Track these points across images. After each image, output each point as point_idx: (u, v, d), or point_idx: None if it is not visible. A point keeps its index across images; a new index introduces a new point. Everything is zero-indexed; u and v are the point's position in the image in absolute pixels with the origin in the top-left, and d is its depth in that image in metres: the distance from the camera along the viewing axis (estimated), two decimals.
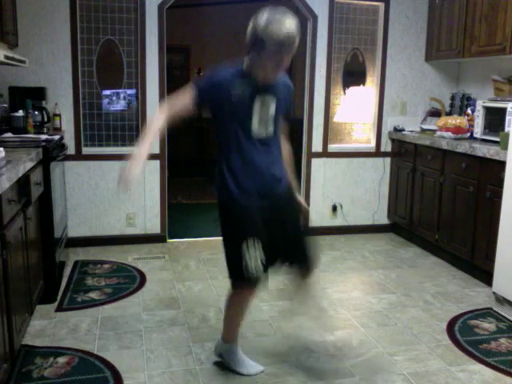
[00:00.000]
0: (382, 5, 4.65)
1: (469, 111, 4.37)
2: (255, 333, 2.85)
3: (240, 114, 2.19)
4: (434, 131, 4.43)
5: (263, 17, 2.03)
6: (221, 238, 2.38)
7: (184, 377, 2.43)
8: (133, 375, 2.43)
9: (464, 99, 4.55)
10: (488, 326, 3.03)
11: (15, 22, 3.74)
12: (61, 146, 3.64)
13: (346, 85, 4.77)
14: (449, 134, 4.09)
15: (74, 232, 4.24)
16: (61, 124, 4.05)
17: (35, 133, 3.61)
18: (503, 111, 3.66)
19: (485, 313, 3.20)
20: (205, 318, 3.06)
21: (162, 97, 4.27)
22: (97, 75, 4.18)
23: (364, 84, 4.83)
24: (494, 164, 3.43)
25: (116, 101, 4.26)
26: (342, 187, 4.79)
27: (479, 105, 3.98)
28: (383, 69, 4.73)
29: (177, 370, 2.48)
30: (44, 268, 3.17)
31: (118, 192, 1.97)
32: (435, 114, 4.73)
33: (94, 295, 3.34)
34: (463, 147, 3.74)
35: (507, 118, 3.61)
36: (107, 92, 4.23)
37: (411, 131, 4.69)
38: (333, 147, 4.76)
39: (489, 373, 2.52)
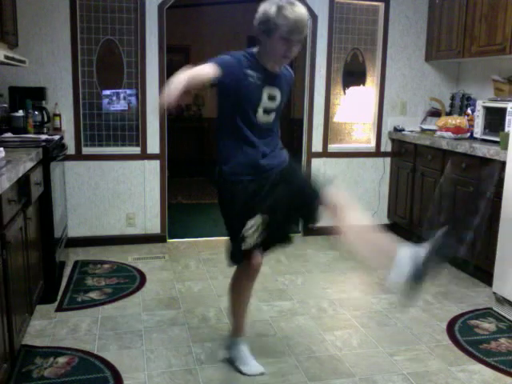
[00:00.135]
0: (381, 5, 4.65)
1: (469, 111, 4.37)
2: (255, 333, 2.85)
3: (248, 100, 2.19)
4: (434, 131, 4.43)
5: (273, 3, 2.06)
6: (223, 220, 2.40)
7: (184, 377, 2.43)
8: (133, 375, 2.43)
9: (464, 99, 4.56)
10: (488, 325, 3.03)
11: (15, 22, 3.74)
12: (61, 145, 3.64)
13: (346, 85, 4.77)
14: (449, 134, 4.09)
15: (73, 232, 4.24)
16: (61, 124, 4.05)
17: (35, 133, 3.62)
18: (503, 111, 3.66)
19: (485, 313, 3.20)
20: (205, 317, 3.06)
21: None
22: (97, 75, 4.18)
23: (364, 84, 4.83)
24: (494, 164, 3.43)
25: (116, 101, 4.26)
26: (342, 187, 4.79)
27: (479, 105, 3.98)
28: (383, 69, 4.74)
29: (177, 370, 2.48)
30: (44, 268, 3.17)
31: (155, 114, 1.85)
32: (435, 113, 4.73)
33: (93, 295, 3.34)
34: (463, 147, 3.74)
35: (507, 117, 3.61)
36: (107, 92, 4.23)
37: (411, 131, 4.69)
38: (333, 147, 4.76)
39: (489, 373, 2.52)
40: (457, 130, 4.11)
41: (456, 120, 4.19)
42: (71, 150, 4.14)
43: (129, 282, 3.59)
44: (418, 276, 1.92)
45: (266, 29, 2.09)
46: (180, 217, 5.21)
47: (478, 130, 3.99)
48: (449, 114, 4.66)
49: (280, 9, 2.04)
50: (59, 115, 4.03)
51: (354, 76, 4.80)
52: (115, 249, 4.25)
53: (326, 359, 2.62)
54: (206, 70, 2.10)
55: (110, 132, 4.29)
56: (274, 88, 2.23)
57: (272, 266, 3.89)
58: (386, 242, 2.15)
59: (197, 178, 7.62)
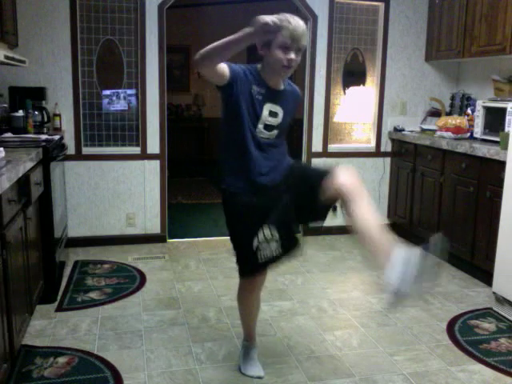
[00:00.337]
0: (381, 5, 4.65)
1: (469, 111, 4.37)
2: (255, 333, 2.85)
3: (249, 114, 2.17)
4: (434, 131, 4.43)
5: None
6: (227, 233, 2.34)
7: (184, 377, 2.43)
8: (133, 375, 2.43)
9: (464, 99, 4.56)
10: (488, 326, 3.03)
11: (15, 22, 3.74)
12: (61, 146, 3.64)
13: (346, 85, 4.77)
14: (449, 134, 4.10)
15: (74, 232, 4.24)
16: (61, 124, 4.05)
17: (35, 133, 3.61)
18: (503, 111, 3.66)
19: (485, 313, 3.20)
20: (205, 317, 3.06)
21: (162, 97, 4.27)
22: (97, 75, 4.18)
23: (364, 84, 4.83)
24: (493, 164, 3.43)
25: (116, 101, 4.26)
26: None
27: (479, 105, 3.98)
28: (383, 69, 4.74)
29: (177, 370, 2.48)
30: (44, 268, 3.17)
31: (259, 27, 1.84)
32: (435, 113, 4.73)
33: (93, 295, 3.34)
34: (463, 147, 3.74)
35: (507, 117, 3.61)
36: (107, 92, 4.23)
37: (411, 131, 4.69)
38: (333, 147, 4.76)
39: (489, 373, 2.52)
40: (457, 129, 4.11)
41: (456, 120, 4.19)
42: (71, 150, 4.14)
43: (129, 281, 3.59)
44: (405, 286, 1.93)
45: (266, 41, 2.09)
46: (180, 217, 5.21)
47: (478, 130, 3.99)
48: (449, 114, 4.66)
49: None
50: (59, 115, 4.03)
51: (354, 76, 4.80)
52: (115, 249, 4.25)
53: (326, 359, 2.62)
54: (224, 67, 2.08)
55: (110, 132, 4.29)
56: (276, 105, 2.22)
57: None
58: (386, 240, 2.06)
59: (197, 178, 7.63)
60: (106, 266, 3.89)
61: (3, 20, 3.29)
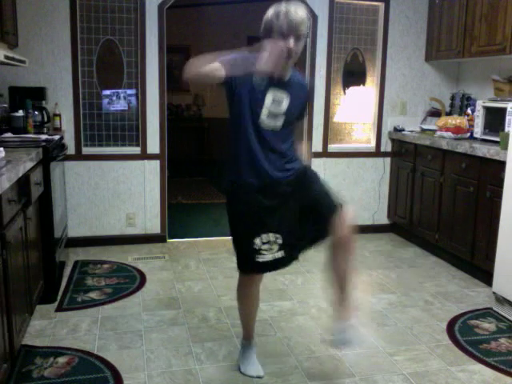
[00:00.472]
0: (381, 5, 4.65)
1: (469, 111, 4.37)
2: (255, 333, 2.84)
3: (251, 101, 2.18)
4: (434, 131, 4.43)
5: (272, 8, 2.13)
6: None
7: (184, 377, 2.43)
8: (133, 375, 2.43)
9: (464, 99, 4.56)
10: (488, 325, 3.03)
11: (15, 22, 3.74)
12: (61, 146, 3.63)
13: (346, 85, 4.77)
14: (449, 134, 4.09)
15: (74, 232, 4.24)
16: (61, 124, 4.05)
17: (35, 133, 3.61)
18: (503, 111, 3.66)
19: (485, 313, 3.20)
20: (205, 317, 3.06)
21: (162, 97, 4.27)
22: (97, 75, 4.18)
23: (364, 84, 4.83)
24: (493, 164, 3.43)
25: (116, 101, 4.26)
26: (342, 187, 4.79)
27: (479, 105, 3.98)
28: (383, 69, 4.74)
29: (177, 370, 2.48)
30: (44, 268, 3.17)
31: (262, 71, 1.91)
32: (435, 114, 4.73)
33: (94, 295, 3.34)
34: (463, 147, 3.74)
35: (507, 117, 3.61)
36: (107, 92, 4.23)
37: (411, 131, 4.69)
38: (333, 147, 4.76)
39: (489, 373, 2.52)
40: (457, 129, 4.11)
41: (456, 120, 4.19)
42: (71, 150, 4.14)
43: (129, 282, 3.59)
44: (339, 344, 2.35)
45: (266, 32, 2.13)
46: (180, 217, 5.21)
47: (478, 130, 3.99)
48: (449, 113, 4.66)
49: (277, 11, 2.10)
50: (59, 115, 4.03)
51: (354, 76, 4.80)
52: (115, 249, 4.25)
53: (326, 359, 2.62)
54: (218, 66, 2.10)
55: (110, 132, 4.29)
56: (281, 92, 2.22)
57: None
58: (351, 304, 2.40)
59: (197, 178, 7.63)
60: (105, 265, 3.89)
61: (3, 20, 3.29)
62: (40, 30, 3.98)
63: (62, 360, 2.53)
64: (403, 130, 4.72)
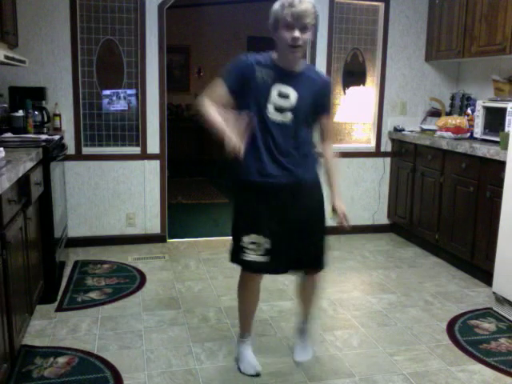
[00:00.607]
0: (381, 5, 4.65)
1: (469, 111, 4.37)
2: (255, 333, 2.84)
3: (257, 96, 2.21)
4: (434, 131, 4.43)
5: (278, 1, 2.17)
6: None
7: (184, 377, 2.43)
8: (133, 375, 2.43)
9: (464, 99, 4.55)
10: (488, 325, 3.03)
11: (15, 22, 3.74)
12: (61, 146, 3.63)
13: (346, 85, 4.77)
14: (449, 134, 4.09)
15: (74, 232, 4.24)
16: (61, 124, 4.05)
17: (35, 133, 3.61)
18: (503, 111, 3.66)
19: (485, 313, 3.20)
20: (205, 317, 3.06)
21: (162, 97, 4.27)
22: (97, 75, 4.18)
23: (364, 84, 4.83)
24: (493, 164, 3.43)
25: (116, 101, 4.26)
26: (342, 187, 4.73)
27: (479, 105, 3.98)
28: (383, 69, 4.73)
29: (177, 370, 2.48)
30: (44, 268, 3.17)
31: (230, 158, 2.00)
32: (435, 113, 4.73)
33: (94, 295, 3.34)
34: (463, 147, 3.74)
35: (507, 118, 3.61)
36: (107, 92, 4.23)
37: (411, 131, 4.69)
38: (333, 147, 4.75)
39: (489, 373, 2.52)
40: (457, 129, 4.11)
41: (456, 120, 4.19)
42: (71, 150, 4.14)
43: (129, 282, 3.59)
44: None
45: (273, 24, 2.17)
46: (180, 217, 5.21)
47: (478, 130, 3.99)
48: (449, 113, 4.66)
49: (282, 3, 2.14)
50: (59, 115, 4.03)
51: (354, 76, 4.80)
52: (115, 249, 4.25)
53: (326, 359, 2.62)
54: (218, 90, 2.23)
55: (110, 132, 4.29)
56: (287, 86, 2.21)
57: None
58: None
59: (197, 178, 7.63)
60: (105, 266, 3.89)
61: (3, 20, 3.29)
62: (40, 30, 3.98)
63: (61, 360, 2.53)
64: (403, 130, 4.72)
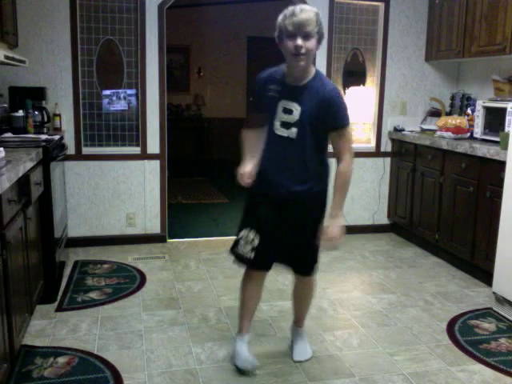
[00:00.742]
0: (381, 5, 4.65)
1: (469, 111, 4.37)
2: (255, 333, 2.84)
3: (270, 113, 2.30)
4: (434, 131, 4.43)
5: (282, 12, 2.19)
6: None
7: (184, 377, 2.43)
8: (133, 375, 2.43)
9: (464, 99, 4.55)
10: (488, 325, 3.03)
11: (15, 21, 3.74)
12: (61, 146, 3.63)
13: (346, 85, 4.77)
14: (449, 134, 4.09)
15: (74, 232, 4.24)
16: (61, 124, 4.05)
17: (35, 133, 3.61)
18: (503, 111, 3.66)
19: (485, 313, 3.20)
20: (205, 317, 3.06)
21: (162, 97, 4.27)
22: (97, 75, 4.18)
23: (364, 84, 4.83)
24: (493, 164, 3.43)
25: (116, 101, 4.26)
26: None
27: (479, 105, 3.98)
28: (383, 69, 4.73)
29: (177, 370, 2.48)
30: (44, 268, 3.17)
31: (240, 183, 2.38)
32: (435, 114, 4.73)
33: (94, 295, 3.34)
34: (463, 147, 3.74)
35: (507, 118, 3.61)
36: (107, 92, 4.23)
37: (411, 131, 4.69)
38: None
39: (489, 373, 2.52)
40: (457, 129, 4.11)
41: (456, 120, 4.19)
42: (71, 150, 4.14)
43: (129, 282, 3.59)
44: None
45: (278, 36, 2.20)
46: (180, 217, 5.21)
47: (478, 130, 3.99)
48: (449, 113, 4.66)
49: (284, 13, 2.16)
50: (59, 115, 4.03)
51: (354, 76, 4.80)
52: (115, 249, 4.25)
53: (326, 359, 2.62)
54: (251, 114, 2.57)
55: (110, 132, 4.29)
56: (291, 102, 2.24)
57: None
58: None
59: (197, 178, 7.63)
60: (105, 265, 3.89)
61: (3, 20, 3.29)
62: (40, 30, 3.98)
63: (61, 360, 2.53)
64: (403, 130, 4.72)
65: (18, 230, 2.46)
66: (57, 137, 3.50)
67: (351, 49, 4.72)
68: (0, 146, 2.63)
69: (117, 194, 4.32)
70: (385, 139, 4.85)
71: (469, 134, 4.11)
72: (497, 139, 3.63)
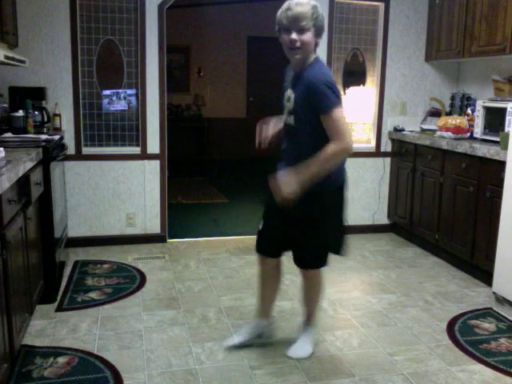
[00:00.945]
0: (381, 5, 4.65)
1: (469, 111, 4.37)
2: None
3: (282, 103, 2.42)
4: (434, 131, 4.42)
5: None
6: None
7: (184, 377, 2.43)
8: (133, 375, 2.43)
9: (464, 99, 4.55)
10: (488, 325, 3.03)
11: (15, 22, 3.74)
12: (61, 146, 3.63)
13: (346, 85, 4.78)
14: (449, 134, 4.09)
15: (74, 232, 4.24)
16: (61, 124, 4.05)
17: (35, 133, 3.61)
18: (503, 111, 3.66)
19: (485, 313, 3.20)
20: (205, 317, 3.06)
21: (162, 97, 4.27)
22: (97, 75, 4.18)
23: (364, 84, 4.83)
24: (494, 164, 3.43)
25: (116, 101, 4.26)
26: None
27: (479, 105, 3.98)
28: (383, 69, 4.73)
29: (177, 370, 2.48)
30: (44, 268, 3.17)
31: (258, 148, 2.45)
32: (435, 113, 4.73)
33: (94, 295, 3.34)
34: (463, 147, 3.74)
35: (507, 118, 3.61)
36: (107, 92, 4.23)
37: (411, 131, 4.69)
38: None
39: (489, 373, 2.52)
40: (457, 129, 4.11)
41: (456, 120, 4.19)
42: (71, 150, 4.14)
43: (129, 282, 3.59)
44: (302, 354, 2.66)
45: (277, 29, 2.26)
46: (180, 217, 5.21)
47: (478, 130, 3.99)
48: (449, 113, 4.66)
49: (281, 8, 2.21)
50: (59, 115, 4.03)
51: (354, 76, 4.80)
52: (115, 249, 4.25)
53: (326, 359, 2.62)
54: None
55: (110, 132, 4.29)
56: (290, 90, 2.35)
57: None
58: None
59: (197, 178, 7.63)
60: (105, 266, 3.89)
61: (3, 20, 3.29)
62: (40, 30, 3.98)
63: (62, 360, 2.53)
64: (403, 130, 4.72)
65: (17, 229, 2.46)
66: (57, 137, 3.50)
67: (351, 49, 4.72)
68: (0, 146, 2.63)
69: (117, 194, 4.32)
70: (385, 139, 4.85)
71: (469, 134, 4.11)
72: (497, 139, 3.63)
